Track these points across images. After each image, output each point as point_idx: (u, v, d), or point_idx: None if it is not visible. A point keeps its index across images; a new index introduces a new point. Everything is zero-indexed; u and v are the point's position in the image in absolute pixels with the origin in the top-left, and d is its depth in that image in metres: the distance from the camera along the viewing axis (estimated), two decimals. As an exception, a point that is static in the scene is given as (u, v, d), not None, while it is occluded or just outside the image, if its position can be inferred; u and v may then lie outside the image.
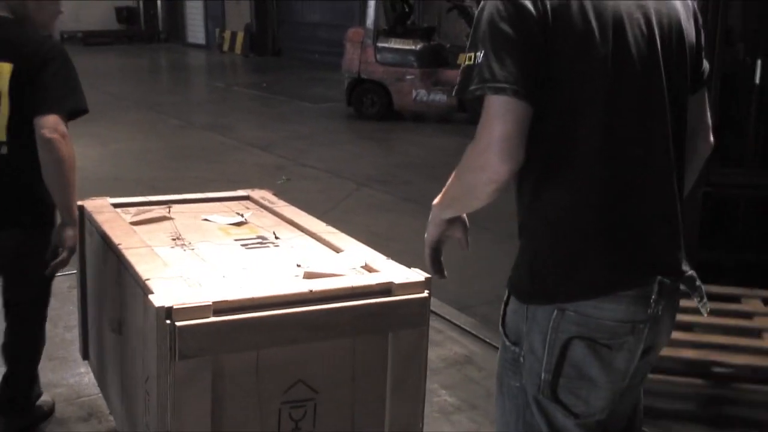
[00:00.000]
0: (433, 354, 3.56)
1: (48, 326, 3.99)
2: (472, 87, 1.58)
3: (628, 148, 1.65)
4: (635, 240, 1.66)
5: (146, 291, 2.16)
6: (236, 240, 2.71)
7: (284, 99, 12.70)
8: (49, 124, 2.68)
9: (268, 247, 2.66)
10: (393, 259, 2.41)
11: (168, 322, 2.03)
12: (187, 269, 2.37)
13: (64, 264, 2.84)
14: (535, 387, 1.71)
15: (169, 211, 2.98)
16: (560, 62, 1.60)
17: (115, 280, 2.57)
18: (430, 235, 1.87)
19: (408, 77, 10.16)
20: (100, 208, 2.94)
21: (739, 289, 3.73)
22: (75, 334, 3.90)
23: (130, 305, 2.42)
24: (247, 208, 3.09)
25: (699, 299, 1.75)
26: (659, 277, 1.65)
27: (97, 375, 3.02)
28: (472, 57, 1.60)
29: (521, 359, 1.73)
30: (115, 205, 3.01)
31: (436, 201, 1.83)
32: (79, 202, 2.95)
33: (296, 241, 2.73)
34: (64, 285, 4.54)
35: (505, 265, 1.88)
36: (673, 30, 1.73)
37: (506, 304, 1.79)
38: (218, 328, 2.07)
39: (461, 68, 1.64)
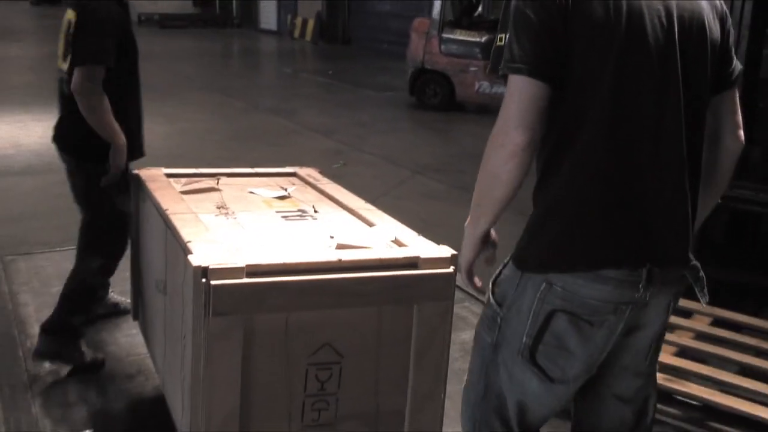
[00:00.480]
0: (468, 335, 3.65)
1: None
2: (500, 67, 1.71)
3: (635, 135, 1.72)
4: (631, 224, 1.73)
5: (186, 252, 2.32)
6: (277, 212, 2.85)
7: (349, 87, 12.86)
8: (74, 78, 3.07)
9: (306, 219, 2.80)
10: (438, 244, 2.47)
11: (204, 280, 2.17)
12: (227, 235, 2.52)
13: (112, 180, 3.23)
14: (515, 348, 1.83)
15: (218, 182, 3.13)
16: (577, 46, 1.68)
17: (161, 243, 2.74)
18: (465, 257, 1.92)
19: (471, 69, 10.19)
20: (154, 177, 3.11)
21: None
22: (128, 299, 4.13)
23: (173, 266, 2.58)
24: (292, 184, 3.23)
25: (699, 289, 1.81)
26: (648, 265, 1.72)
27: (145, 334, 3.21)
28: (502, 38, 1.72)
29: (499, 319, 1.85)
30: (168, 175, 3.17)
31: (467, 222, 1.89)
32: (135, 171, 3.16)
33: (334, 215, 2.85)
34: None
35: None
36: (694, 26, 1.78)
37: (504, 266, 1.90)
38: (250, 289, 2.21)
39: (493, 49, 1.75)
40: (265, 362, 2.31)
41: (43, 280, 4.35)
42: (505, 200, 1.76)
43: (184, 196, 2.90)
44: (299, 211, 2.88)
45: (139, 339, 3.65)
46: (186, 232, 2.46)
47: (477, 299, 4.16)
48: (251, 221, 2.71)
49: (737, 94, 1.95)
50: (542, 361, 1.81)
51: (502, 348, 1.86)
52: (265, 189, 3.11)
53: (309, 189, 3.19)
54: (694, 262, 1.82)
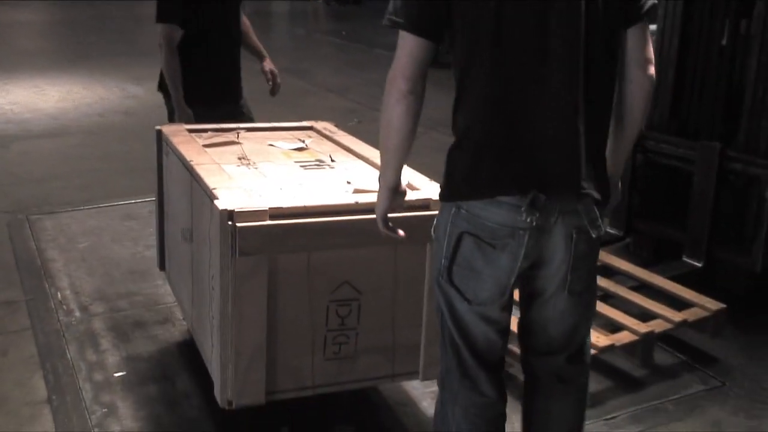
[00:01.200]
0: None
1: (129, 244, 4.42)
2: (385, 17, 1.88)
3: (519, 71, 1.83)
4: (519, 154, 1.85)
5: (212, 198, 2.44)
6: (296, 162, 2.96)
7: (361, 47, 12.85)
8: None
9: (324, 168, 2.91)
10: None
11: (230, 223, 2.30)
12: (249, 182, 2.64)
13: (181, 120, 3.63)
14: (437, 271, 2.01)
15: (238, 136, 3.25)
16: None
17: (187, 193, 2.86)
18: (380, 208, 2.10)
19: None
20: (176, 132, 3.23)
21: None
22: (154, 252, 4.25)
23: (198, 214, 2.70)
24: (309, 137, 3.33)
25: (589, 222, 1.90)
26: (534, 192, 1.83)
27: (172, 283, 3.35)
28: None
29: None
30: (190, 131, 3.29)
31: (379, 174, 2.08)
32: (157, 127, 3.30)
33: (350, 164, 2.96)
34: (145, 209, 4.94)
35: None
36: None
37: None
38: (273, 231, 2.34)
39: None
40: (288, 300, 2.45)
41: (68, 236, 4.50)
42: (401, 148, 1.95)
43: (207, 149, 3.01)
44: (317, 161, 2.99)
45: (165, 289, 3.80)
46: (211, 180, 2.58)
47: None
48: (272, 170, 2.83)
49: (648, 29, 1.98)
50: (458, 282, 1.96)
51: (435, 281, 2.04)
52: (284, 142, 3.22)
53: (326, 141, 3.30)
54: (590, 193, 1.88)
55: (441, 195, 2.00)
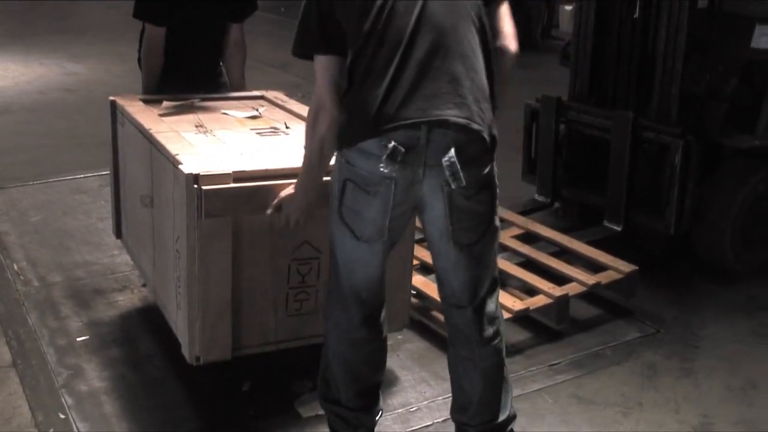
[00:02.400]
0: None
1: (82, 217, 4.45)
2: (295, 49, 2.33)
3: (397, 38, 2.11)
4: (384, 111, 2.10)
5: (176, 163, 2.54)
6: (252, 129, 3.06)
7: (301, 23, 12.84)
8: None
9: (279, 135, 3.02)
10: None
11: (195, 186, 2.41)
12: (209, 148, 2.74)
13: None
14: (333, 210, 2.28)
15: (192, 105, 3.32)
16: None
17: (146, 161, 2.93)
18: (296, 211, 2.44)
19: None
20: (131, 102, 3.28)
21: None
22: (107, 224, 4.30)
23: (160, 180, 2.79)
24: (262, 105, 3.43)
25: (449, 174, 2.09)
26: (393, 143, 2.07)
27: (130, 250, 3.42)
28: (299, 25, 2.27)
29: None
30: (144, 101, 3.35)
31: (290, 191, 2.44)
32: (111, 98, 3.33)
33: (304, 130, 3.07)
34: (95, 183, 4.98)
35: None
36: None
37: None
38: (237, 193, 2.46)
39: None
40: (252, 259, 2.57)
41: (20, 210, 4.51)
42: (323, 151, 2.31)
43: (163, 119, 3.09)
44: (272, 128, 3.10)
45: (121, 258, 3.87)
46: (172, 147, 2.67)
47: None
48: (229, 137, 2.92)
49: (505, 4, 2.28)
50: (347, 221, 2.24)
51: (330, 219, 2.32)
52: (237, 111, 3.30)
53: (278, 109, 3.40)
54: (451, 158, 2.08)
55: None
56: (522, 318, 3.26)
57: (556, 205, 4.29)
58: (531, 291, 3.36)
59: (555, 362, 3.10)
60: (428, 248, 2.36)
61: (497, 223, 2.30)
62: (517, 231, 3.89)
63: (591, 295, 3.46)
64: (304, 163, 2.37)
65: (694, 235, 3.74)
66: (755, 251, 3.77)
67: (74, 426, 2.66)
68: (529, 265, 3.58)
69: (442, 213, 2.17)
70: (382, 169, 2.10)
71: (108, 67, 8.38)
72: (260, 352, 2.71)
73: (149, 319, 3.34)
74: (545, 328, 3.32)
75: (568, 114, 4.10)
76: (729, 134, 3.68)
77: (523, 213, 4.14)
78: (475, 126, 2.10)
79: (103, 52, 9.14)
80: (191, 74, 3.54)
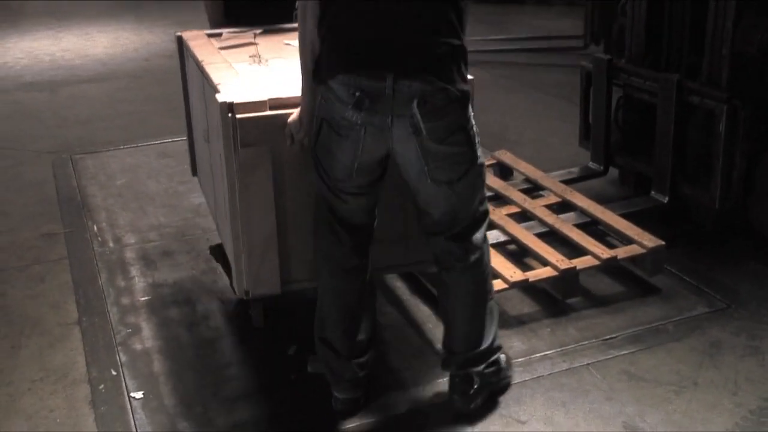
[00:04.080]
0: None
1: (163, 180, 4.61)
2: None
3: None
4: (354, 51, 2.21)
5: (215, 92, 2.52)
6: None
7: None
8: None
9: None
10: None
11: (230, 115, 2.39)
12: (255, 77, 2.70)
13: None
14: (311, 148, 2.37)
15: (255, 37, 3.25)
16: None
17: (201, 94, 2.94)
18: (301, 141, 2.45)
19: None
20: (195, 37, 3.28)
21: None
22: (187, 186, 4.47)
23: (210, 112, 2.75)
24: None
25: (410, 124, 2.18)
26: (359, 93, 2.16)
27: (202, 186, 3.46)
28: None
29: None
30: (209, 35, 3.31)
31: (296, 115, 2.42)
32: (177, 33, 3.37)
33: None
34: (181, 147, 5.08)
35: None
36: None
37: None
38: (273, 121, 2.43)
39: None
40: (296, 191, 2.54)
41: (108, 174, 4.72)
42: (308, 66, 2.32)
43: (222, 51, 3.05)
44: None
45: (194, 221, 4.01)
46: (216, 76, 2.66)
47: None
48: (280, 66, 2.85)
49: None
50: (321, 159, 2.34)
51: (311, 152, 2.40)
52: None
53: None
54: (413, 110, 2.16)
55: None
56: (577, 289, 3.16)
57: (613, 173, 4.10)
58: (545, 262, 3.20)
59: (610, 336, 2.97)
60: (409, 189, 2.40)
61: (481, 160, 2.37)
62: (553, 199, 3.74)
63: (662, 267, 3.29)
64: (302, 77, 2.36)
65: (750, 208, 3.45)
66: None
67: (124, 382, 2.78)
68: (549, 235, 3.45)
69: (415, 156, 2.26)
70: (350, 116, 2.20)
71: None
72: (312, 287, 2.69)
73: (210, 281, 3.43)
74: (603, 298, 3.20)
75: (621, 77, 3.87)
76: None
77: (574, 181, 3.98)
78: (439, 76, 2.17)
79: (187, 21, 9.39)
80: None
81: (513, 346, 2.92)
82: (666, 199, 3.66)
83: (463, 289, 2.48)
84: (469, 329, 2.53)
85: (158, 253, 3.73)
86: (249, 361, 2.90)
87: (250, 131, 2.40)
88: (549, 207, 3.68)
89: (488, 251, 2.54)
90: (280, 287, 2.61)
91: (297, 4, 2.32)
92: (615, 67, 3.88)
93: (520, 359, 2.83)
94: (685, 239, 3.59)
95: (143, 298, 3.33)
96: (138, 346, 2.99)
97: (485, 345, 2.55)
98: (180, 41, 3.32)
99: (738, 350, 2.87)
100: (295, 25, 3.48)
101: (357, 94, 2.18)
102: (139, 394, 2.71)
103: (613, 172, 4.17)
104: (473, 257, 2.44)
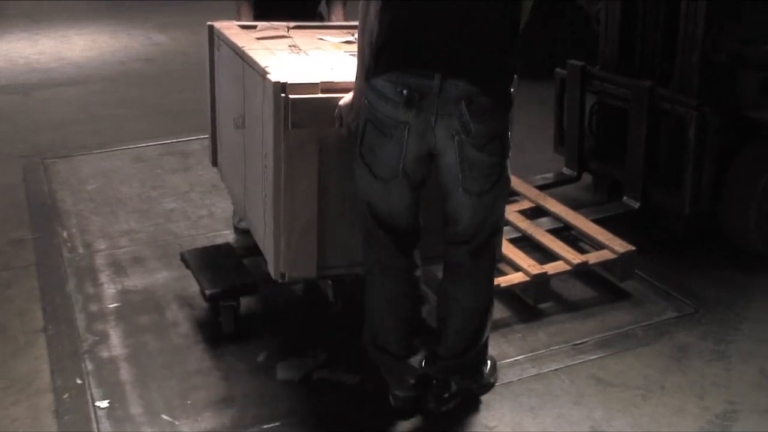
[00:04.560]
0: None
1: (136, 185, 4.58)
2: None
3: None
4: (405, 48, 2.25)
5: (264, 74, 2.54)
6: (345, 51, 3.00)
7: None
8: None
9: None
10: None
11: (283, 95, 2.42)
12: (299, 64, 2.74)
13: None
14: (356, 152, 2.40)
15: (288, 31, 3.28)
16: None
17: (239, 80, 2.93)
18: (350, 125, 2.46)
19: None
20: (228, 27, 3.28)
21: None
22: (160, 192, 4.45)
23: (251, 97, 2.77)
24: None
25: (459, 125, 2.20)
26: (407, 92, 2.20)
27: (224, 175, 3.45)
28: None
29: None
30: (241, 26, 3.34)
31: (348, 99, 2.44)
32: (209, 23, 3.38)
33: None
34: (156, 152, 5.10)
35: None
36: None
37: None
38: (324, 104, 2.45)
39: None
40: (338, 175, 2.54)
41: (80, 178, 4.67)
42: (367, 57, 2.34)
43: (259, 40, 3.07)
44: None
45: (165, 227, 3.99)
46: (263, 60, 2.67)
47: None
48: (321, 57, 2.89)
49: None
50: (366, 159, 2.37)
51: (352, 153, 2.43)
52: (334, 36, 3.28)
53: None
54: (462, 109, 2.19)
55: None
56: (548, 294, 3.16)
57: (587, 179, 4.12)
58: (517, 268, 3.19)
59: (580, 341, 2.98)
60: (441, 191, 2.41)
61: (508, 173, 2.39)
62: (527, 205, 3.74)
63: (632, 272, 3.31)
64: (358, 62, 2.39)
65: (720, 214, 3.47)
66: None
67: (89, 391, 2.74)
68: (520, 241, 3.45)
69: (453, 161, 2.28)
70: (395, 114, 2.23)
71: (191, 38, 8.53)
72: (347, 273, 2.70)
73: (180, 288, 3.41)
74: (574, 303, 3.20)
75: (594, 83, 3.88)
76: (759, 107, 3.35)
77: (547, 186, 3.99)
78: (487, 80, 2.20)
79: (189, 22, 9.31)
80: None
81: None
82: (638, 205, 3.67)
83: (466, 304, 2.49)
84: (460, 340, 2.52)
85: (129, 259, 3.70)
86: (218, 369, 2.87)
87: (301, 112, 2.42)
88: (522, 212, 3.68)
89: (498, 259, 2.59)
90: (315, 272, 2.61)
91: (360, 2, 2.34)
92: (589, 74, 3.89)
93: (489, 365, 2.82)
94: (655, 245, 3.61)
95: (112, 305, 3.30)
96: (105, 354, 2.96)
97: (470, 355, 2.55)
98: (211, 31, 3.34)
99: (705, 355, 2.88)
100: (325, 23, 3.66)
101: (404, 91, 2.21)
102: (104, 403, 2.68)
103: (587, 177, 4.19)
104: (484, 273, 2.48)
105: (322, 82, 2.46)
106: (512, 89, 2.32)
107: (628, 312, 3.16)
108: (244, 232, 3.49)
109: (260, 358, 2.91)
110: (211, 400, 2.70)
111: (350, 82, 2.45)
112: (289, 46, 3.01)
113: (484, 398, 2.66)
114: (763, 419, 2.54)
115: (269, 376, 2.81)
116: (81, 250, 3.78)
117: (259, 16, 3.53)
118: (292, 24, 3.35)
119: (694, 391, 2.68)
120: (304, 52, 2.92)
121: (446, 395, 2.58)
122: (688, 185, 3.40)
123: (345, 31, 3.36)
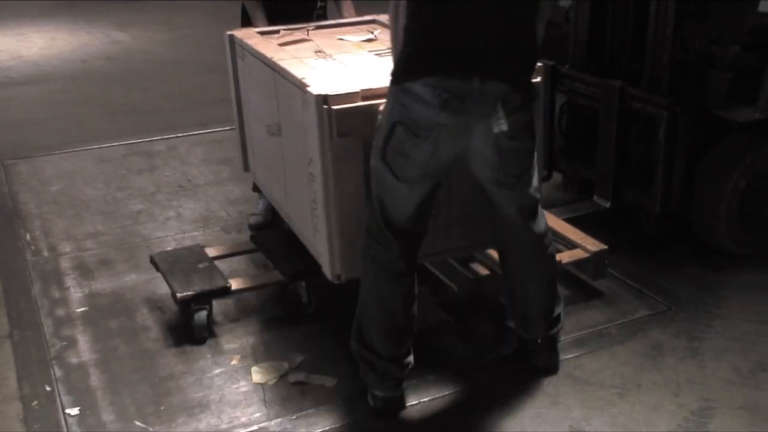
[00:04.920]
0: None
1: (101, 186, 4.49)
2: None
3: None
4: (442, 54, 2.28)
5: (303, 87, 2.62)
6: (370, 51, 3.12)
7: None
8: None
9: None
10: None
11: (325, 107, 2.50)
12: (333, 71, 2.83)
13: None
14: (377, 149, 2.41)
15: (308, 34, 3.35)
16: None
17: (271, 90, 2.99)
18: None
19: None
20: (249, 35, 3.36)
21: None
22: (125, 193, 4.37)
23: (286, 106, 2.87)
24: (376, 28, 3.46)
25: (494, 120, 2.30)
26: (446, 95, 2.23)
27: (259, 180, 3.51)
28: None
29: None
30: (260, 33, 3.41)
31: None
32: (228, 32, 3.43)
33: None
34: (120, 152, 5.01)
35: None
36: None
37: None
38: (366, 111, 2.53)
39: None
40: None
41: (42, 180, 4.57)
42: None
43: (284, 47, 3.16)
44: (389, 48, 3.06)
45: (132, 229, 3.93)
46: (297, 71, 2.76)
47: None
48: (349, 60, 2.98)
49: None
50: (389, 161, 2.37)
51: (372, 154, 2.45)
52: (352, 35, 3.33)
53: None
54: (499, 108, 2.29)
55: (391, 79, 2.37)
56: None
57: (557, 178, 4.12)
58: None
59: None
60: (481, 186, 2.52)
61: (536, 155, 2.55)
62: None
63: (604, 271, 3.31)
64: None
65: (690, 213, 3.50)
66: (756, 234, 3.46)
67: (58, 398, 2.68)
68: None
69: (491, 156, 2.39)
70: (433, 117, 2.26)
71: (152, 36, 8.43)
72: None
73: (150, 291, 3.34)
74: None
75: (564, 83, 3.89)
76: (728, 107, 3.37)
77: None
78: (519, 78, 2.33)
79: (151, 20, 9.20)
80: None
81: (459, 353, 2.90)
82: (609, 204, 3.68)
83: (542, 266, 2.67)
84: (546, 298, 2.72)
85: (95, 261, 3.62)
86: (191, 373, 2.82)
87: (345, 122, 2.51)
88: None
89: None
90: None
91: (390, 3, 2.39)
92: (559, 73, 3.90)
93: (465, 365, 2.82)
94: (627, 243, 3.63)
95: (79, 310, 3.22)
96: (74, 360, 2.89)
97: (557, 311, 2.77)
98: (232, 40, 3.38)
99: (678, 352, 2.90)
100: (339, 20, 3.69)
101: (444, 95, 2.24)
102: (74, 411, 2.62)
103: (557, 176, 4.20)
104: (547, 239, 2.65)
105: (362, 90, 2.54)
106: (535, 84, 2.48)
107: (602, 311, 3.17)
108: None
109: (234, 362, 2.87)
110: (185, 405, 2.66)
111: (386, 87, 2.47)
112: (315, 51, 3.08)
113: (460, 398, 2.65)
114: (738, 416, 2.56)
115: (244, 380, 2.77)
116: (45, 253, 3.69)
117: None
118: (311, 26, 3.45)
119: (669, 388, 2.70)
120: (331, 57, 3.01)
121: (552, 350, 2.79)
122: (659, 184, 3.42)
123: (361, 28, 3.45)
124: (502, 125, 2.31)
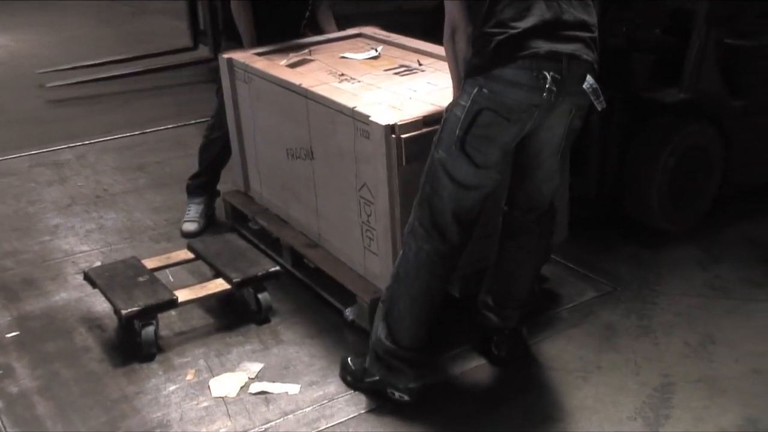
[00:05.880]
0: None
1: (11, 202, 4.22)
2: None
3: None
4: (535, 37, 2.27)
5: (358, 116, 2.70)
6: (385, 70, 3.18)
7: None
8: None
9: (416, 72, 3.15)
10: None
11: (393, 136, 2.58)
12: (376, 97, 2.85)
13: None
14: (450, 142, 2.36)
15: (309, 53, 3.38)
16: None
17: (302, 115, 3.02)
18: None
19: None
20: (250, 58, 3.34)
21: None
22: (38, 208, 4.13)
23: (324, 132, 2.93)
24: (368, 43, 3.53)
25: (595, 98, 2.35)
26: (552, 74, 2.25)
27: (268, 200, 3.50)
28: None
29: (439, 129, 2.44)
30: (258, 54, 3.39)
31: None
32: (225, 55, 3.42)
33: (437, 65, 3.17)
34: (25, 164, 4.73)
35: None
36: None
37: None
38: (428, 136, 2.54)
39: None
40: None
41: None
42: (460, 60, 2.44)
43: (294, 69, 3.20)
44: (403, 67, 3.21)
45: (53, 244, 3.70)
46: (341, 99, 2.81)
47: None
48: (377, 82, 3.02)
49: None
50: (468, 149, 2.35)
51: (439, 148, 2.41)
52: (354, 53, 3.32)
53: (392, 47, 3.50)
54: (592, 85, 2.34)
55: (468, 72, 2.36)
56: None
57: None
58: None
59: (511, 328, 2.99)
60: (520, 167, 2.56)
61: None
62: None
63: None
64: (453, 84, 2.50)
65: (625, 195, 3.59)
66: (686, 211, 3.61)
67: (3, 430, 2.49)
68: None
69: (561, 133, 2.46)
70: (531, 99, 2.27)
71: (38, 38, 8.00)
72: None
73: (85, 308, 3.16)
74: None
75: None
76: (654, 89, 3.48)
77: None
78: (594, 55, 2.37)
79: (32, 22, 8.73)
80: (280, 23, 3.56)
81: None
82: None
83: (538, 252, 2.72)
84: (530, 284, 2.77)
85: (18, 282, 3.40)
86: (145, 393, 2.68)
87: (413, 148, 2.59)
88: None
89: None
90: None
91: (445, 27, 2.41)
92: None
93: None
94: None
95: (10, 335, 3.01)
96: (13, 389, 2.70)
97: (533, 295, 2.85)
98: (230, 63, 3.37)
99: (631, 331, 2.97)
100: (327, 36, 3.65)
101: (541, 76, 2.25)
102: (25, 443, 2.45)
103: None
104: (549, 226, 2.70)
105: (424, 116, 2.63)
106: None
107: (550, 295, 3.22)
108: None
109: (189, 377, 2.75)
110: (145, 426, 2.53)
111: (442, 108, 2.52)
112: (336, 75, 3.11)
113: (432, 393, 2.62)
114: (698, 389, 2.64)
115: (203, 395, 2.65)
116: (-25, 275, 3.45)
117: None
118: (302, 43, 3.48)
119: (629, 367, 2.76)
120: (357, 80, 3.05)
121: (517, 341, 2.82)
122: (594, 169, 3.49)
123: (355, 43, 3.50)
124: (582, 102, 2.39)
